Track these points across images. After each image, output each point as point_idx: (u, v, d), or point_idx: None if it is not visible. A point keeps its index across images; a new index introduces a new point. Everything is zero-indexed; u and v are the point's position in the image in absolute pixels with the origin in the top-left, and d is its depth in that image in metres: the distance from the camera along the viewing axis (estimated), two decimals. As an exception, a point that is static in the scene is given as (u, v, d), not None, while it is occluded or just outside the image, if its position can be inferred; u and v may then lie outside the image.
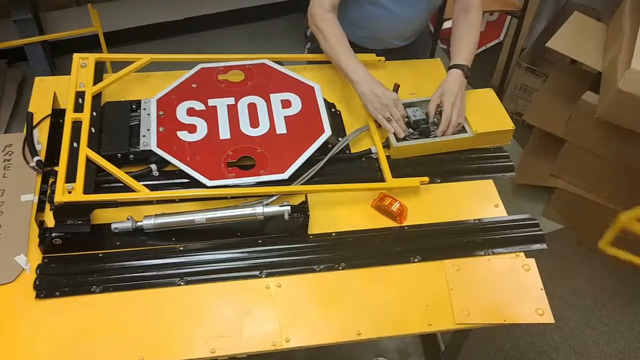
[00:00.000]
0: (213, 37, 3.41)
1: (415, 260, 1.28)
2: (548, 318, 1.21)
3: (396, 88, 1.50)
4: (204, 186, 1.30)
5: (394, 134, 1.44)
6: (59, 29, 2.79)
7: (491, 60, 3.14)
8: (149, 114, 1.42)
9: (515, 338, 2.18)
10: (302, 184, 1.35)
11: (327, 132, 1.41)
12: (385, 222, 1.35)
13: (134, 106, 1.45)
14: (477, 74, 1.61)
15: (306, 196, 1.29)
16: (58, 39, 2.69)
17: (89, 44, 2.57)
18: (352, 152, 1.47)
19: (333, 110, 1.54)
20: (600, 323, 2.25)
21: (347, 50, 1.49)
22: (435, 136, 1.46)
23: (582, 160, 2.31)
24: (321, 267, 1.25)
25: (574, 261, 2.42)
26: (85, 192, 1.23)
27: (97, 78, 1.48)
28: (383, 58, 1.66)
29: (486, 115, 1.52)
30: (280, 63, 1.59)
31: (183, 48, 3.27)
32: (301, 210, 1.28)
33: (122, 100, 1.48)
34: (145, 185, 1.30)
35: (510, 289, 1.25)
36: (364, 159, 1.46)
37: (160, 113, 1.41)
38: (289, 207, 1.26)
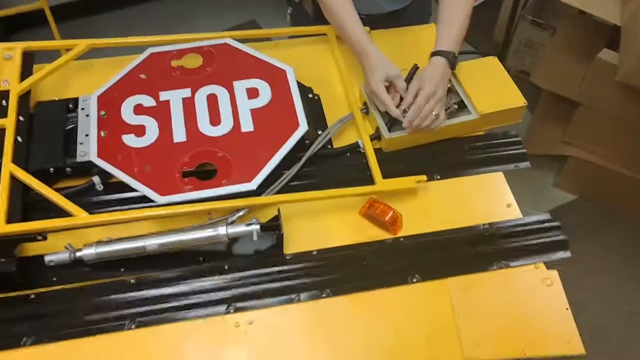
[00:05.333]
0: (181, 5, 3.10)
1: (414, 280, 1.07)
2: (577, 347, 1.01)
3: (413, 70, 1.25)
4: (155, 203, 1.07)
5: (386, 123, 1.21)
6: (5, 5, 2.49)
7: (492, 13, 2.85)
8: (87, 115, 1.18)
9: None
10: (274, 194, 1.12)
11: (303, 127, 1.17)
12: (377, 233, 1.13)
13: (71, 105, 1.21)
14: (477, 30, 1.35)
15: (279, 210, 1.07)
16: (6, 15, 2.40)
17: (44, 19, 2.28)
18: (334, 147, 1.24)
19: (310, 96, 1.30)
20: (621, 303, 2.06)
21: (353, 19, 1.27)
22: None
23: (598, 125, 2.08)
24: (301, 295, 1.04)
25: (590, 235, 2.22)
26: (10, 220, 1.01)
27: (26, 72, 1.23)
28: (367, 28, 1.39)
29: (491, 90, 1.28)
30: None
31: (149, 19, 2.96)
32: (273, 228, 1.06)
33: (57, 99, 1.23)
34: (88, 203, 1.10)
35: (529, 311, 1.05)
36: (349, 154, 1.23)
37: (102, 113, 1.17)
38: (257, 226, 1.04)
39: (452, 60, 1.21)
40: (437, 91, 1.17)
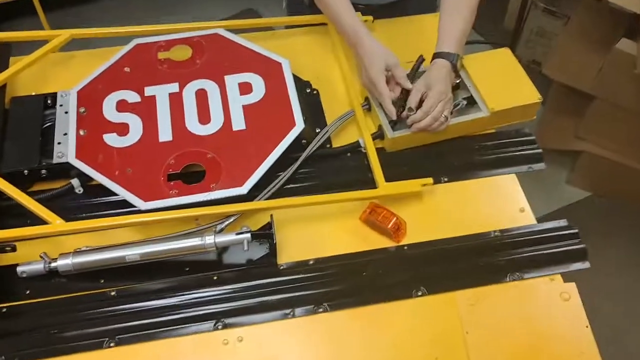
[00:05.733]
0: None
1: (419, 293, 0.98)
2: (598, 370, 0.92)
3: (419, 62, 1.15)
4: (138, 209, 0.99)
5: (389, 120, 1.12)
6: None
7: (502, 0, 2.74)
8: (66, 112, 1.09)
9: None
10: (267, 199, 1.03)
11: (299, 126, 1.08)
12: (379, 241, 1.04)
13: (49, 101, 1.12)
14: (486, 19, 1.24)
15: (272, 217, 0.98)
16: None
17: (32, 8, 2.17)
18: (334, 146, 1.15)
19: (308, 91, 1.21)
20: (637, 306, 1.97)
21: (347, 8, 1.17)
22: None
23: (614, 120, 1.98)
24: (296, 310, 0.95)
25: (603, 234, 2.12)
26: (-22, 228, 0.93)
27: (2, 65, 1.15)
28: (370, 18, 1.30)
29: (504, 85, 1.18)
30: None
31: (143, 8, 2.84)
32: (265, 237, 0.97)
33: (34, 94, 1.15)
34: (66, 208, 1.02)
35: (544, 328, 0.96)
36: (349, 154, 1.14)
37: (82, 110, 1.09)
38: (248, 235, 0.95)
39: (455, 63, 1.11)
40: (447, 91, 1.08)
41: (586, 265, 1.03)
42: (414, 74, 1.14)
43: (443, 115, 1.07)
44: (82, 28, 1.23)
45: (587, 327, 0.96)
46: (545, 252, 1.03)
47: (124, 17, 2.75)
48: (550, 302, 0.98)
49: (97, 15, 2.78)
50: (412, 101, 1.08)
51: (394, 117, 1.08)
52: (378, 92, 1.09)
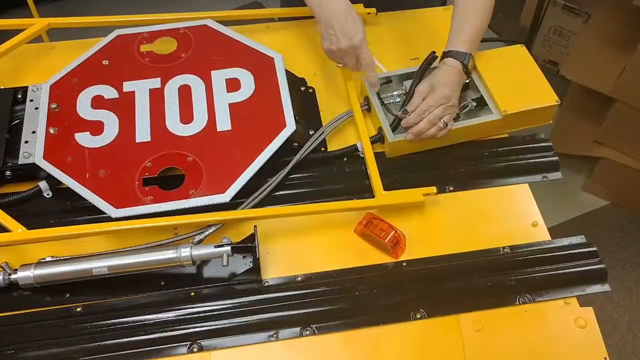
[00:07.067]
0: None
1: (418, 316, 0.88)
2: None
3: (430, 59, 1.06)
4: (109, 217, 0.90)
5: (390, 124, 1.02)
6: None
7: (519, -4, 2.63)
8: (37, 108, 1.00)
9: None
10: (252, 207, 0.94)
11: (290, 127, 0.98)
12: (375, 256, 0.94)
13: (19, 96, 1.03)
14: (501, 15, 1.13)
15: (255, 229, 0.88)
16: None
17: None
18: (329, 149, 1.05)
19: (303, 89, 1.11)
20: (657, 322, 1.85)
21: None
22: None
23: (636, 124, 1.86)
24: (280, 332, 0.86)
25: (622, 246, 2.01)
26: None
27: (-28, 56, 1.06)
28: (374, 10, 1.20)
29: (518, 86, 1.08)
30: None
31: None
32: (247, 250, 0.88)
33: (3, 87, 1.06)
34: (32, 214, 0.94)
35: (556, 359, 0.85)
36: (345, 159, 1.04)
37: (53, 106, 1.00)
38: (228, 248, 0.86)
39: (467, 64, 1.00)
40: (452, 95, 0.97)
41: (606, 287, 0.92)
42: (423, 72, 1.04)
43: (442, 121, 0.96)
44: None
45: (605, 359, 0.85)
46: (560, 272, 0.93)
47: (127, 7, 2.66)
48: (565, 329, 0.88)
49: (95, 8, 2.69)
50: (413, 104, 0.98)
51: (376, 87, 1.03)
52: (366, 58, 0.98)
